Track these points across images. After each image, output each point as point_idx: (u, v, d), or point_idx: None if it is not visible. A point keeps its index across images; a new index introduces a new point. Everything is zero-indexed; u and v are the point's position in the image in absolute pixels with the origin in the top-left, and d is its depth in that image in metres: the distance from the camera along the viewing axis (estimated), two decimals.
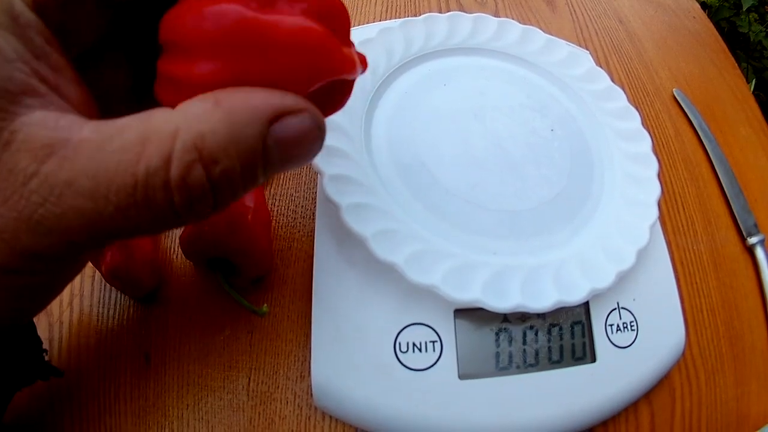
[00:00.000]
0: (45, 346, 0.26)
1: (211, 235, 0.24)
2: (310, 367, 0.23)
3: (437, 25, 0.33)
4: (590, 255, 0.26)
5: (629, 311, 0.26)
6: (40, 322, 0.27)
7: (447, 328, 0.24)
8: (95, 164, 0.11)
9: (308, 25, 0.14)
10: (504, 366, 0.24)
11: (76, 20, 0.14)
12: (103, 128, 0.12)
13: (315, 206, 0.28)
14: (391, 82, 0.30)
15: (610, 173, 0.29)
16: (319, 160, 0.25)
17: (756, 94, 0.96)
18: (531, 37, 0.34)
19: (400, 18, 0.37)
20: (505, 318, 0.25)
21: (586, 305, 0.26)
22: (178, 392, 0.25)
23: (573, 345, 0.25)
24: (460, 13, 0.34)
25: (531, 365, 0.24)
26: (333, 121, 0.27)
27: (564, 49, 0.34)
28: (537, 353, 0.25)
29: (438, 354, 0.24)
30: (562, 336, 0.25)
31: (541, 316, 0.25)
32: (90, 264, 0.27)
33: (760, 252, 0.34)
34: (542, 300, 0.23)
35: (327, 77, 0.14)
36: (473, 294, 0.23)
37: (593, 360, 0.25)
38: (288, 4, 0.14)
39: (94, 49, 0.15)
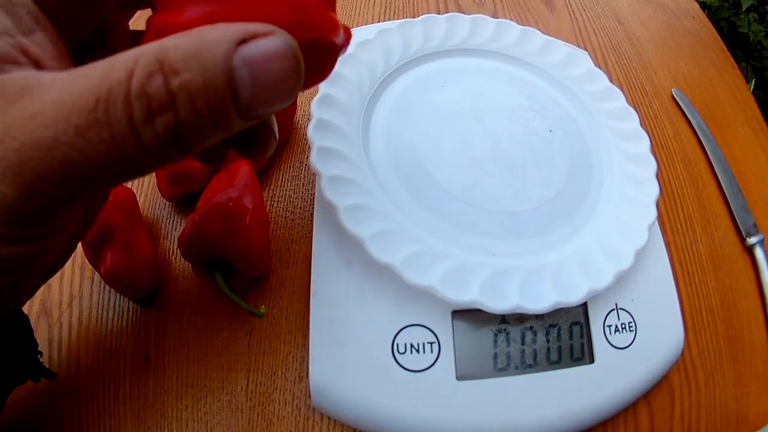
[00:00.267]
0: (45, 346, 0.26)
1: (210, 236, 0.24)
2: (308, 368, 0.23)
3: (436, 27, 0.33)
4: (589, 255, 0.25)
5: (628, 312, 0.26)
6: (40, 323, 0.27)
7: (445, 329, 0.24)
8: (62, 94, 0.11)
9: None
10: (502, 367, 0.24)
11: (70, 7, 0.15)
12: (75, 69, 0.12)
13: (313, 208, 0.28)
14: (389, 84, 0.30)
15: (608, 174, 0.29)
16: (317, 162, 0.25)
17: (755, 94, 0.96)
18: (529, 38, 0.34)
19: (398, 19, 0.37)
20: (504, 319, 0.25)
21: (584, 306, 0.26)
22: (177, 393, 0.25)
23: (571, 346, 0.25)
24: (458, 14, 0.34)
25: (529, 366, 0.24)
26: (331, 122, 0.27)
27: (563, 49, 0.34)
28: (535, 354, 0.24)
29: (436, 355, 0.24)
30: (560, 337, 0.25)
31: (539, 316, 0.25)
32: (89, 266, 0.28)
33: (759, 252, 0.33)
34: (540, 301, 0.23)
35: (309, 34, 0.15)
36: (471, 295, 0.23)
37: (592, 361, 0.25)
38: None
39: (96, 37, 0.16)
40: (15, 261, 0.13)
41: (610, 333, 0.25)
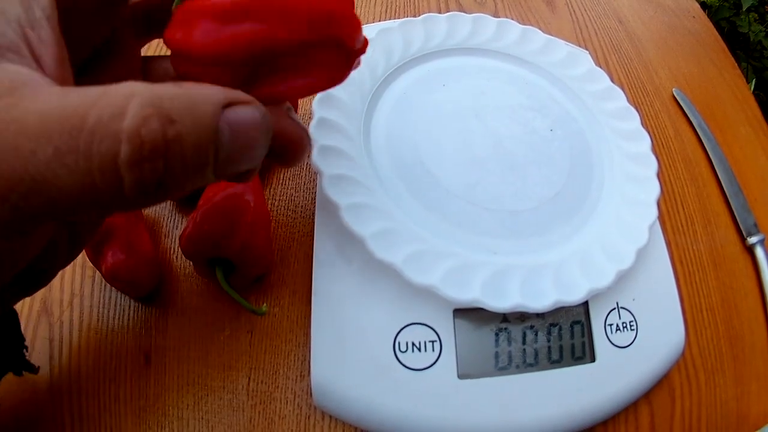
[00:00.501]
0: (46, 345, 0.26)
1: (211, 234, 0.24)
2: (309, 367, 0.24)
3: (436, 26, 0.33)
4: (590, 254, 0.26)
5: (629, 311, 0.26)
6: (41, 322, 0.27)
7: (446, 327, 0.24)
8: (48, 107, 0.11)
9: None
10: (503, 366, 0.24)
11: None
12: (68, 88, 0.12)
13: (314, 206, 0.28)
14: (390, 83, 0.30)
15: (609, 173, 0.30)
16: (319, 160, 0.25)
17: (756, 93, 0.96)
18: (530, 38, 0.34)
19: (399, 18, 0.37)
20: (505, 318, 0.25)
21: (585, 305, 0.26)
22: (178, 392, 0.25)
23: (572, 345, 0.25)
24: (459, 13, 0.34)
25: (530, 365, 0.24)
26: (332, 121, 0.27)
27: (563, 49, 0.34)
28: (536, 353, 0.25)
29: (437, 354, 0.24)
30: (561, 336, 0.25)
31: (540, 315, 0.25)
32: (90, 264, 0.28)
33: (759, 251, 0.34)
34: (541, 300, 0.23)
35: (332, 30, 0.15)
36: (472, 294, 0.23)
37: (593, 360, 0.25)
38: None
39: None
40: None
41: (611, 332, 0.26)
